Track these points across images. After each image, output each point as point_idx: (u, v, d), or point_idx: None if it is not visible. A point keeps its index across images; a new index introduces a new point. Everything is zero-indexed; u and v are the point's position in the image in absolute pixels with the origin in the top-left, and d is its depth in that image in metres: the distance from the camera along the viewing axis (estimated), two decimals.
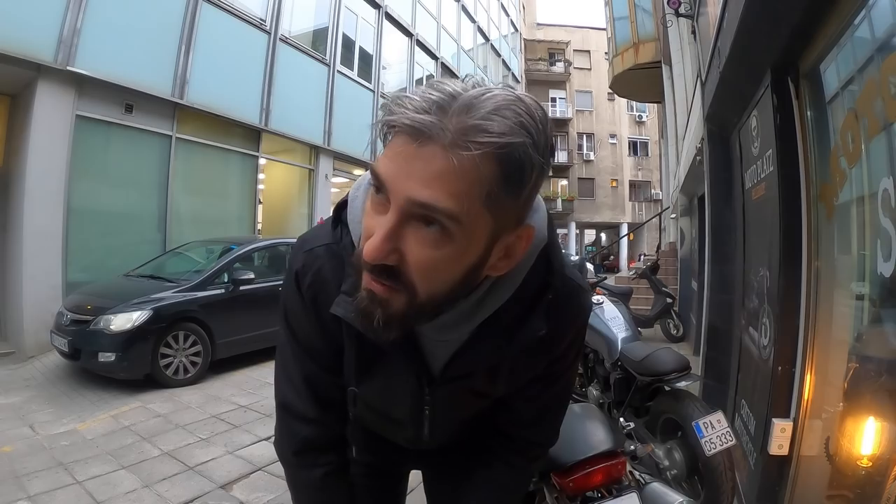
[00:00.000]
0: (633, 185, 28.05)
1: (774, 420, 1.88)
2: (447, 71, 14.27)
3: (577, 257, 5.89)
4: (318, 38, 9.63)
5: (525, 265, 0.62)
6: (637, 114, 27.77)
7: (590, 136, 28.01)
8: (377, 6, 11.15)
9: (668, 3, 5.65)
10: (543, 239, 0.63)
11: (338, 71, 9.86)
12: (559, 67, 28.05)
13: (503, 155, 0.46)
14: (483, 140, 0.45)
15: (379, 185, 0.49)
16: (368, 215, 0.52)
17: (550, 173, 0.64)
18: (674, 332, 6.39)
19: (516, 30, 23.61)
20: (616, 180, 27.79)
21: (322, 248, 0.67)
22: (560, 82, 28.02)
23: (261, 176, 8.34)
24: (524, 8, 26.88)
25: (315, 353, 0.72)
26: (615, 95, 19.53)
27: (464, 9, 16.62)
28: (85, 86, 5.60)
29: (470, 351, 0.66)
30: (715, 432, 1.90)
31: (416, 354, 0.67)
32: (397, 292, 0.52)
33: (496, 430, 0.85)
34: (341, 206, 0.67)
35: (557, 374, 0.77)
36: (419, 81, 12.64)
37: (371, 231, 0.50)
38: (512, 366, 0.71)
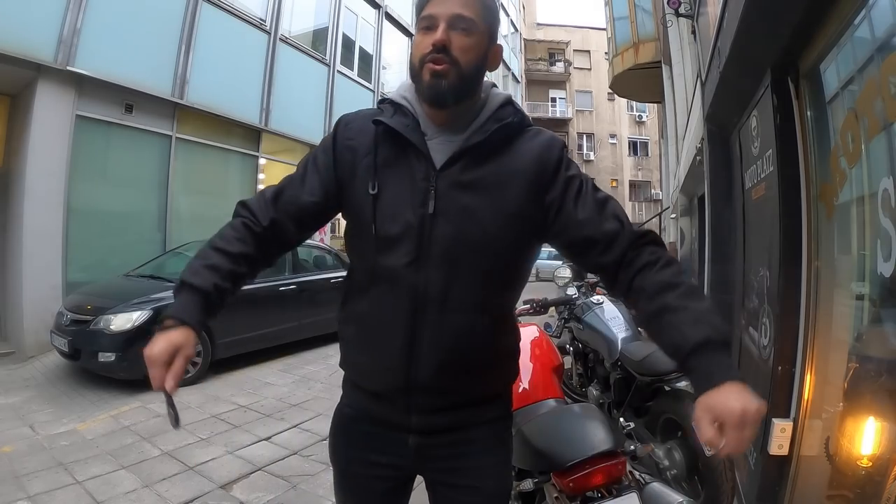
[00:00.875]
0: (633, 185, 28.05)
1: (774, 420, 1.88)
2: None
3: None
4: (318, 38, 9.63)
5: (498, 99, 0.96)
6: (637, 114, 27.77)
7: (590, 136, 28.00)
8: (377, 6, 11.16)
9: (668, 3, 5.65)
10: (508, 96, 0.98)
11: (338, 71, 9.87)
12: (559, 67, 28.05)
13: (489, 4, 0.92)
14: None
15: (429, 23, 0.88)
16: (421, 40, 0.89)
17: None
18: None
19: (516, 30, 23.61)
20: (616, 180, 27.79)
21: (358, 111, 1.02)
22: (560, 82, 28.02)
23: (261, 176, 8.34)
24: (524, 8, 26.88)
25: (306, 182, 0.96)
26: (615, 95, 19.54)
27: None
28: (85, 86, 5.60)
29: (462, 150, 0.90)
30: None
31: (426, 151, 0.91)
32: (450, 65, 0.86)
33: (616, 283, 0.89)
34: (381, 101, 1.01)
35: (578, 185, 0.92)
36: None
37: (426, 43, 0.87)
38: (495, 167, 0.90)
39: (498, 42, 0.95)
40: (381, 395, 0.95)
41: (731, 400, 0.69)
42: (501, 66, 20.87)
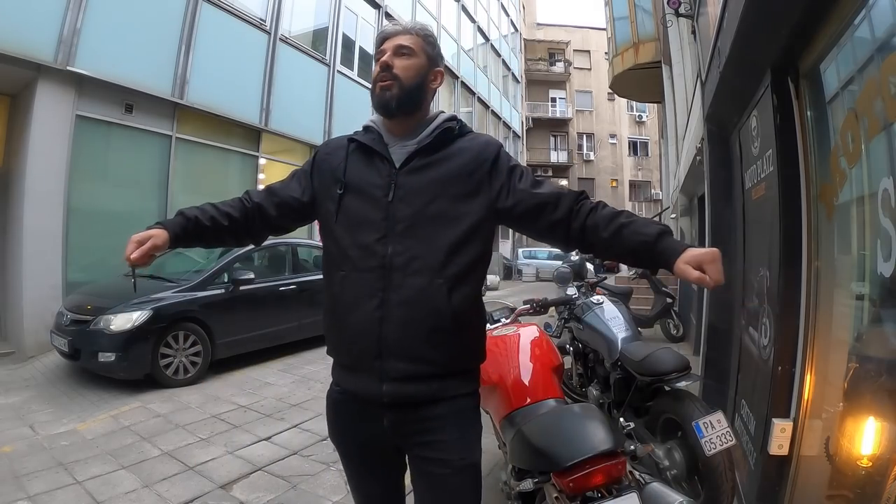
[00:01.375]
0: (633, 185, 28.06)
1: (774, 420, 1.88)
2: (447, 71, 14.26)
3: (576, 257, 5.87)
4: (318, 38, 9.63)
5: (444, 117, 1.21)
6: (637, 114, 27.78)
7: (590, 136, 28.01)
8: (377, 6, 11.16)
9: (668, 3, 5.65)
10: (453, 115, 1.22)
11: (338, 71, 9.87)
12: (559, 67, 28.05)
13: (425, 34, 1.20)
14: (418, 30, 1.20)
15: (380, 55, 1.16)
16: (374, 69, 1.18)
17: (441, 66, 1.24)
18: (674, 332, 6.39)
19: (516, 30, 23.61)
20: (616, 180, 27.80)
21: (336, 137, 1.31)
22: (560, 82, 28.03)
23: (261, 176, 8.33)
24: (524, 8, 26.88)
25: (290, 183, 1.26)
26: (615, 95, 19.53)
27: (464, 9, 16.63)
28: (85, 86, 5.60)
29: (414, 152, 1.16)
30: (715, 432, 1.90)
31: (387, 156, 1.16)
32: (393, 81, 1.13)
33: (573, 239, 1.14)
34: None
35: (509, 173, 1.15)
36: None
37: (377, 68, 1.16)
38: (440, 161, 1.14)
39: (439, 67, 1.22)
40: (356, 367, 1.12)
41: (699, 251, 0.99)
42: (502, 66, 21.00)
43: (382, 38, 1.18)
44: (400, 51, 1.14)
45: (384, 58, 1.14)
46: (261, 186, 7.17)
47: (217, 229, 1.18)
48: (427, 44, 1.18)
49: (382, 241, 1.09)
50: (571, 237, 1.13)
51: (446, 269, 1.08)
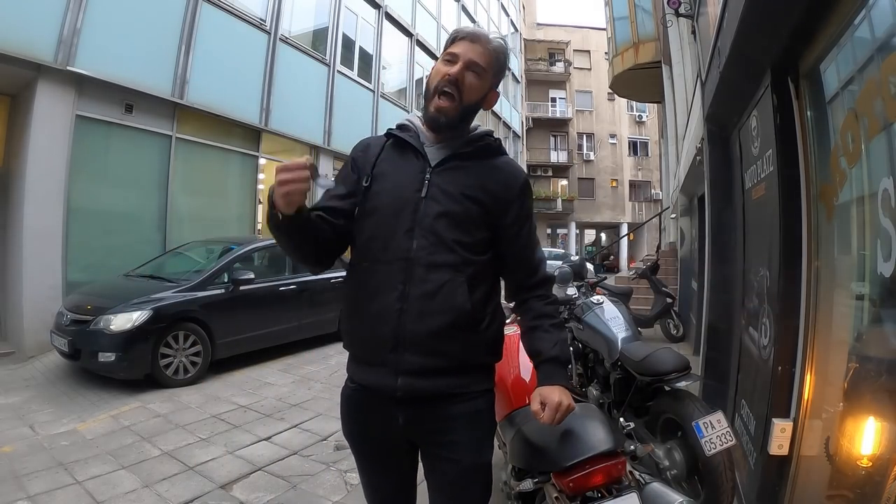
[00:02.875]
0: (633, 185, 28.05)
1: (774, 420, 1.88)
2: None
3: (576, 257, 5.88)
4: (318, 38, 9.62)
5: (483, 130, 1.25)
6: (637, 114, 27.77)
7: (590, 136, 28.01)
8: (377, 6, 11.15)
9: (668, 3, 5.65)
10: (490, 130, 1.28)
11: (338, 71, 9.86)
12: (559, 67, 28.05)
13: (500, 53, 1.20)
14: (496, 46, 1.19)
15: (451, 58, 1.15)
16: (441, 68, 1.16)
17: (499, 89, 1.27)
18: (674, 332, 6.39)
19: (516, 30, 23.60)
20: (616, 180, 27.81)
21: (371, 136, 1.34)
22: (560, 82, 28.02)
23: (261, 176, 8.33)
24: (524, 8, 26.88)
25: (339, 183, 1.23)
26: (615, 95, 19.53)
27: (464, 9, 16.64)
28: (85, 86, 5.60)
29: (452, 155, 1.19)
30: (715, 432, 1.90)
31: (423, 152, 1.19)
32: (453, 102, 1.15)
33: (516, 300, 1.27)
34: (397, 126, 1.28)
35: (523, 218, 1.22)
36: (419, 81, 12.66)
37: (445, 72, 1.14)
38: (471, 170, 1.18)
39: (498, 89, 1.25)
40: (372, 360, 1.14)
41: (556, 393, 1.14)
42: None
43: (457, 38, 1.17)
44: (473, 67, 1.14)
45: (455, 70, 1.13)
46: (261, 187, 7.14)
47: (316, 227, 1.13)
48: (497, 62, 1.19)
49: (408, 235, 1.11)
50: (517, 301, 1.28)
51: (468, 266, 1.12)
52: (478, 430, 1.16)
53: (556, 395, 1.12)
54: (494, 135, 1.28)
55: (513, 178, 1.22)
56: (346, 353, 1.24)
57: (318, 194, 1.21)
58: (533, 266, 1.24)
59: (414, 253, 1.10)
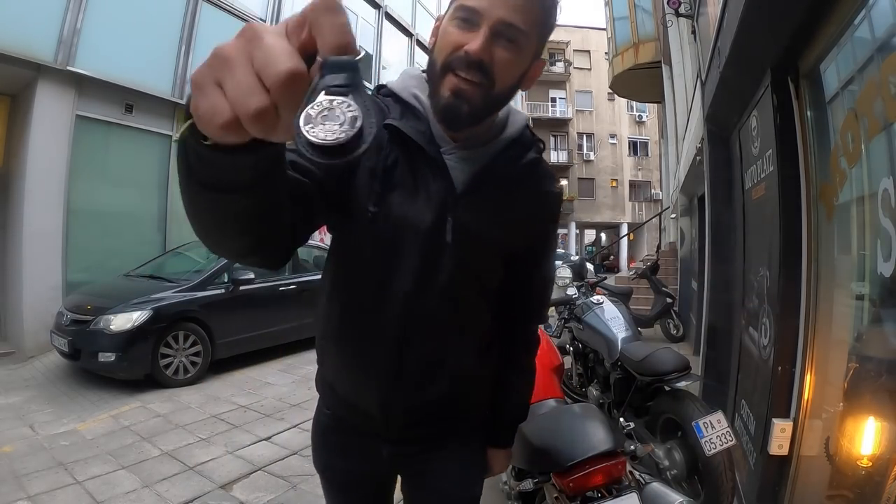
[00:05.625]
0: (633, 185, 28.04)
1: (774, 420, 1.88)
2: None
3: (576, 257, 5.88)
4: None
5: (521, 121, 0.87)
6: (637, 114, 27.76)
7: (590, 136, 27.99)
8: (377, 6, 11.15)
9: (668, 3, 5.65)
10: (527, 118, 0.90)
11: None
12: (559, 67, 28.03)
13: (548, 4, 0.74)
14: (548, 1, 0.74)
15: (469, 16, 0.69)
16: (453, 35, 0.71)
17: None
18: (674, 332, 6.39)
19: None
20: (616, 180, 27.79)
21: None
22: (560, 82, 28.01)
23: None
24: None
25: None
26: (615, 95, 19.52)
27: None
28: (85, 86, 5.60)
29: (485, 171, 0.82)
30: (715, 432, 1.90)
31: (444, 170, 0.79)
32: (480, 87, 0.71)
33: (503, 334, 0.98)
34: (377, 88, 0.86)
35: (543, 250, 0.94)
36: None
37: (460, 44, 0.70)
38: (515, 201, 0.84)
39: (544, 57, 0.81)
40: (358, 406, 0.91)
41: (501, 462, 1.09)
42: None
43: None
44: (506, 31, 0.69)
45: (478, 45, 0.68)
46: None
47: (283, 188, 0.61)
48: (545, 17, 0.74)
49: (417, 288, 0.80)
50: (505, 325, 0.97)
51: (477, 327, 0.91)
52: (468, 464, 1.01)
53: (501, 464, 1.08)
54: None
55: (550, 199, 0.90)
56: None
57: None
58: (546, 297, 1.01)
59: (419, 309, 0.81)
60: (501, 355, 0.99)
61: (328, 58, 0.33)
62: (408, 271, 0.79)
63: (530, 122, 0.90)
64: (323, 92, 0.32)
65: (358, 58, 0.34)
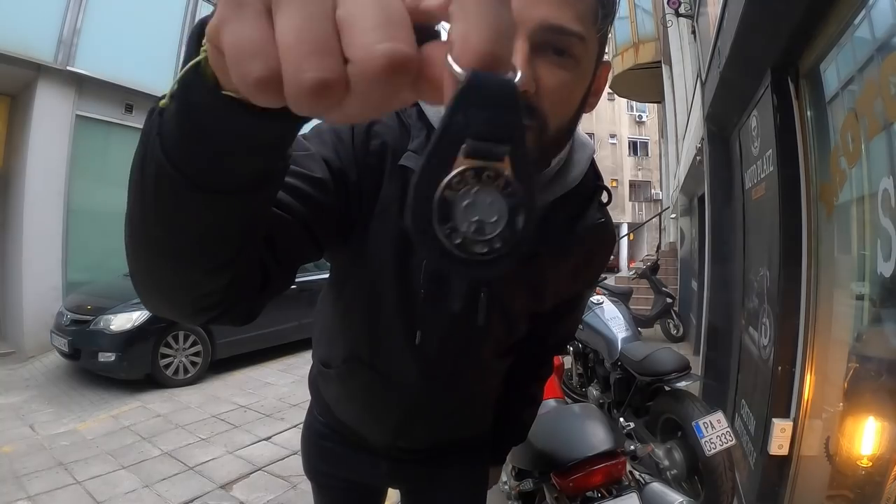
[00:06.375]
0: (633, 185, 28.05)
1: (774, 420, 1.88)
2: None
3: None
4: None
5: (585, 160, 0.65)
6: (637, 114, 27.78)
7: (590, 135, 27.72)
8: None
9: (668, 3, 5.65)
10: (594, 149, 0.67)
11: None
12: None
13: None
14: None
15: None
16: None
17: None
18: (674, 332, 6.39)
19: None
20: (616, 180, 27.79)
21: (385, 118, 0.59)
22: None
23: None
24: None
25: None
26: (615, 95, 19.53)
27: None
28: (85, 86, 5.60)
29: (539, 228, 0.61)
30: (715, 432, 1.90)
31: None
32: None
33: (515, 368, 0.89)
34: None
35: (569, 310, 0.85)
36: None
37: None
38: (560, 268, 0.69)
39: (607, 59, 0.57)
40: (359, 432, 0.86)
41: (495, 473, 1.06)
42: None
43: None
44: (551, 40, 0.47)
45: (520, 63, 0.45)
46: None
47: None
48: (603, 8, 0.50)
49: (427, 357, 0.69)
50: (524, 350, 0.85)
51: (497, 378, 0.87)
52: (469, 476, 0.96)
53: (493, 479, 1.06)
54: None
55: (602, 264, 0.80)
56: None
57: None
58: (566, 342, 0.99)
59: (439, 371, 0.73)
60: (510, 383, 0.91)
61: (477, 73, 0.18)
62: (432, 341, 0.67)
63: (595, 153, 0.68)
64: (464, 148, 0.18)
65: (517, 78, 0.19)
